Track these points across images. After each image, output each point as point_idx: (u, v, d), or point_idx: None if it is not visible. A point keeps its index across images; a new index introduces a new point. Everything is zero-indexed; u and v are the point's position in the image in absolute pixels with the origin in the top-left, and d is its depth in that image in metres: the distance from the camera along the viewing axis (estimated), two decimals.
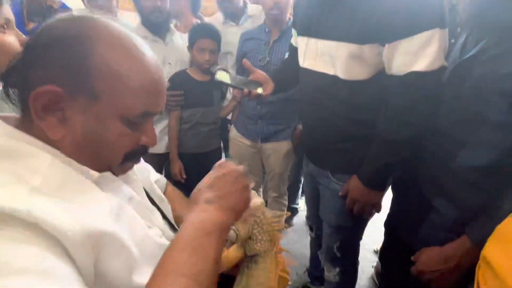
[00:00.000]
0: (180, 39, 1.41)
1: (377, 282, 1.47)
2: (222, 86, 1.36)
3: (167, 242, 0.45)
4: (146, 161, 0.63)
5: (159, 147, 1.38)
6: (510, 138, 0.57)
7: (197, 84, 1.31)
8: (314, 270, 1.29)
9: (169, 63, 1.33)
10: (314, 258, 1.27)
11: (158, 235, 0.45)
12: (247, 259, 0.46)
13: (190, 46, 1.27)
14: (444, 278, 0.65)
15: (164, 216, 0.52)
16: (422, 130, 0.70)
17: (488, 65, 0.58)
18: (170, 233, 0.49)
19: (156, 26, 1.28)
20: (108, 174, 0.40)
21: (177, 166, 1.35)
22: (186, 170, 1.37)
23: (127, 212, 0.40)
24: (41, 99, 0.33)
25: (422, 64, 0.64)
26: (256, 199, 0.46)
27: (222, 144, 1.54)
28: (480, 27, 0.63)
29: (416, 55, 0.65)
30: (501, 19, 0.58)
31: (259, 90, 0.93)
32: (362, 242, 1.49)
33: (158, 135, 1.36)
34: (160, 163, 1.42)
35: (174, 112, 1.31)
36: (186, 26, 1.50)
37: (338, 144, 0.84)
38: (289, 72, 0.99)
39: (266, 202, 1.56)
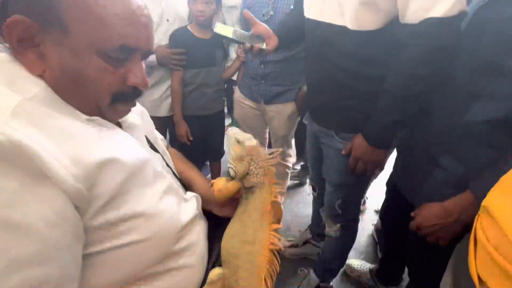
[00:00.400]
0: None
1: (376, 239, 1.53)
2: (222, 40, 1.30)
3: (165, 173, 0.48)
4: None
5: (162, 110, 1.37)
6: None
7: (198, 42, 1.26)
8: (316, 227, 1.34)
9: (167, 20, 1.26)
10: (316, 216, 1.31)
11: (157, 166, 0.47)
12: (245, 191, 0.51)
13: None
14: (442, 233, 0.66)
15: (167, 165, 0.54)
16: (435, 85, 0.66)
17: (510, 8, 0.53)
18: (171, 179, 0.51)
19: None
20: (97, 118, 0.40)
21: (182, 128, 1.35)
22: (190, 133, 1.38)
23: (120, 136, 0.42)
24: (14, 31, 0.33)
25: (441, 9, 0.58)
26: (252, 141, 0.51)
27: (226, 106, 1.51)
28: None
29: None
30: None
31: (262, 45, 0.88)
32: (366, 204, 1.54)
33: (161, 98, 1.35)
34: (163, 126, 1.42)
35: (176, 72, 1.28)
36: None
37: (343, 102, 0.82)
38: (294, 27, 0.93)
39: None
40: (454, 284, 0.51)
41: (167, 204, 0.45)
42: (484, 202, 0.45)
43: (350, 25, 0.71)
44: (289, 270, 1.34)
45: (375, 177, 1.49)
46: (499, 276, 0.38)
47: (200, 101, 1.34)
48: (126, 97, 0.42)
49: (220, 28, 0.87)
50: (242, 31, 0.91)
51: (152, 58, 1.21)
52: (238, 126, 1.52)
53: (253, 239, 0.47)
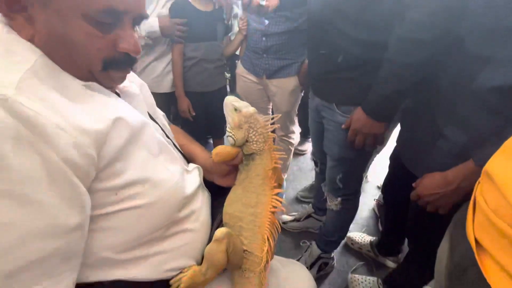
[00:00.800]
0: None
1: (377, 213, 1.56)
2: (223, 14, 1.25)
3: (167, 143, 0.49)
4: None
5: (164, 86, 1.36)
6: None
7: (199, 14, 1.22)
8: (318, 202, 1.36)
9: None
10: (318, 191, 1.33)
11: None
12: (246, 158, 0.52)
13: None
14: (442, 201, 0.67)
15: (167, 136, 0.54)
16: (439, 51, 0.63)
17: None
18: (172, 150, 0.52)
19: None
20: (93, 83, 0.40)
21: (184, 103, 1.34)
22: (192, 109, 1.37)
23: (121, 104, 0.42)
24: None
25: None
26: (249, 108, 0.51)
27: (228, 82, 1.49)
28: None
29: None
30: None
31: (261, 1, 0.84)
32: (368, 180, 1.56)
33: (162, 73, 1.33)
34: (166, 103, 1.41)
35: (177, 45, 1.25)
36: None
37: (344, 73, 0.80)
38: None
39: (274, 140, 1.58)
40: (450, 249, 0.52)
41: (172, 172, 0.46)
42: (486, 167, 0.45)
43: None
44: (292, 243, 1.38)
45: (377, 152, 1.49)
46: (495, 237, 0.39)
47: (200, 77, 1.31)
48: (119, 63, 0.41)
49: None
50: None
51: (155, 28, 1.18)
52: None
53: (256, 203, 0.49)
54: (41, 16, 0.35)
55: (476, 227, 0.44)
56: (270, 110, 1.51)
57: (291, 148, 1.56)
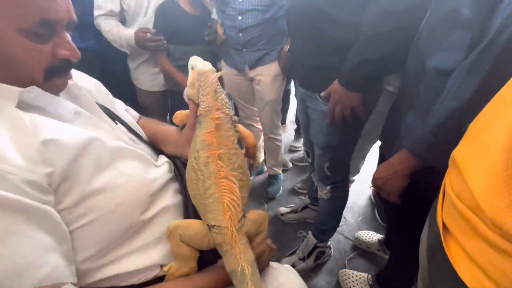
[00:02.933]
0: None
1: (374, 201, 1.57)
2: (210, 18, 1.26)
3: (124, 145, 0.48)
4: (147, 99, 0.65)
5: (158, 84, 1.37)
6: (478, 38, 0.52)
7: (188, 17, 1.21)
8: (312, 192, 1.38)
9: None
10: (311, 181, 1.35)
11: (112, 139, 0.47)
12: (196, 122, 0.50)
13: None
14: (389, 186, 0.69)
15: (130, 129, 0.54)
16: (406, 23, 0.66)
17: None
18: (137, 141, 0.53)
19: None
20: (32, 87, 0.40)
21: (180, 76, 1.26)
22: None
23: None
24: None
25: None
26: (206, 67, 0.50)
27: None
28: None
29: None
30: None
31: None
32: (363, 169, 1.56)
33: (155, 71, 1.33)
34: (163, 101, 1.42)
35: (159, 54, 1.23)
36: None
37: (325, 60, 0.82)
38: None
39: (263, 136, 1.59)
40: (428, 234, 0.53)
41: (130, 174, 0.46)
42: (453, 153, 0.46)
43: None
44: (289, 234, 1.41)
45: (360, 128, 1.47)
46: (458, 220, 0.40)
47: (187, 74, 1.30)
48: (60, 70, 0.42)
49: None
50: None
51: (131, 43, 1.18)
52: (232, 100, 1.52)
53: (206, 175, 0.46)
54: None
55: (444, 212, 0.45)
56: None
57: (279, 144, 1.57)
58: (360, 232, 1.36)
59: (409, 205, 0.71)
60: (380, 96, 0.91)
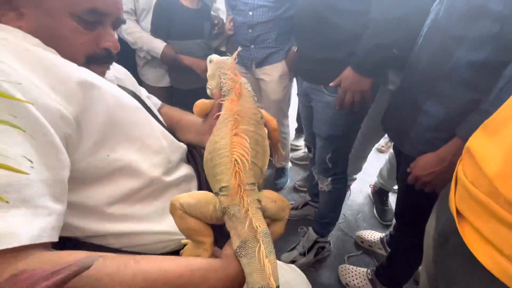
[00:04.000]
0: None
1: (372, 199, 1.61)
2: (210, 11, 1.27)
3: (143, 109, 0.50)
4: (153, 94, 0.66)
5: (165, 81, 1.38)
6: (508, 30, 0.55)
7: (185, 11, 1.21)
8: (313, 188, 1.41)
9: None
10: (312, 178, 1.37)
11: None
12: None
13: None
14: (438, 180, 0.70)
15: (154, 116, 0.56)
16: (415, 9, 0.70)
17: None
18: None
19: None
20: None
21: (188, 59, 1.24)
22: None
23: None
24: None
25: None
26: (221, 57, 0.51)
27: None
28: None
29: None
30: None
31: None
32: (364, 167, 1.59)
33: (162, 68, 1.34)
34: (169, 96, 1.43)
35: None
36: None
37: (330, 52, 0.85)
38: None
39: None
40: (436, 221, 0.56)
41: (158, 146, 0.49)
42: (467, 144, 0.48)
43: None
44: (290, 229, 1.42)
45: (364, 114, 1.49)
46: (473, 206, 0.43)
47: (191, 73, 1.28)
48: (100, 59, 0.46)
49: None
50: None
51: (157, 50, 1.20)
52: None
53: (220, 138, 0.43)
54: (32, 13, 0.39)
55: (457, 199, 0.48)
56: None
57: (286, 142, 1.60)
58: (361, 231, 1.38)
59: (425, 199, 0.72)
60: (378, 90, 0.95)
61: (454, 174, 0.51)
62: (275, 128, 0.51)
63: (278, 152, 0.54)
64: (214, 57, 0.52)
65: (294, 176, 1.79)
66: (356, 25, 0.79)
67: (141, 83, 1.40)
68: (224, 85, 0.48)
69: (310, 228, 1.27)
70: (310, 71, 0.97)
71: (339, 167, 1.08)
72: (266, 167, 0.45)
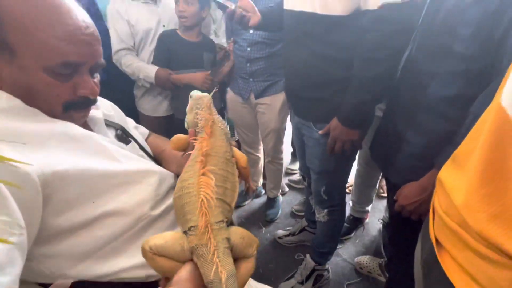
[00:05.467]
0: None
1: (382, 233, 1.57)
2: (210, 43, 1.35)
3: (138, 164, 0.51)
4: (150, 124, 0.69)
5: (161, 110, 1.43)
6: (473, 69, 0.61)
7: (185, 44, 1.30)
8: (309, 214, 1.41)
9: (163, 25, 1.32)
10: (308, 204, 1.38)
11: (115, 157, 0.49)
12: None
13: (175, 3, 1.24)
14: (422, 208, 0.72)
15: (141, 147, 0.59)
16: (395, 65, 0.75)
17: None
18: (146, 157, 0.57)
19: None
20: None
21: (183, 76, 1.30)
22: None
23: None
24: None
25: None
26: (199, 93, 0.54)
27: (222, 106, 1.56)
28: None
29: None
30: None
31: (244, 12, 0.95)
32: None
33: (158, 98, 1.40)
34: (164, 125, 1.47)
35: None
36: None
37: (317, 93, 0.89)
38: (276, 14, 1.01)
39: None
40: (421, 248, 0.57)
41: (143, 190, 0.49)
42: (438, 175, 0.51)
43: (319, 10, 0.78)
44: (288, 257, 1.41)
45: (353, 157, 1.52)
46: (448, 236, 0.45)
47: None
48: (79, 106, 0.46)
49: None
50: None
51: (151, 75, 1.27)
52: (233, 126, 1.58)
53: (186, 176, 0.45)
54: (6, 70, 0.40)
55: (435, 228, 0.50)
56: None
57: (281, 168, 1.63)
58: (360, 257, 1.37)
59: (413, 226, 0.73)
60: (370, 124, 0.98)
61: (431, 203, 0.53)
62: (244, 166, 0.52)
63: (249, 187, 0.56)
64: (194, 93, 0.55)
65: (291, 200, 1.80)
66: (342, 70, 0.83)
67: (137, 115, 1.46)
68: (199, 121, 0.50)
69: (308, 256, 1.26)
70: (300, 107, 0.99)
71: (335, 199, 1.08)
72: (235, 202, 0.47)
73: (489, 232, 0.36)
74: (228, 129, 0.54)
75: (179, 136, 0.54)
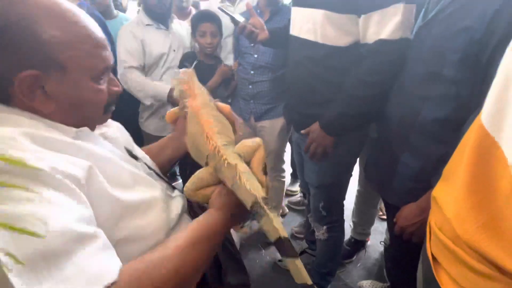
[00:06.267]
0: (178, 25, 1.47)
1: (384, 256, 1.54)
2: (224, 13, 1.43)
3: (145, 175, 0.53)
4: (153, 141, 0.72)
5: (165, 130, 1.48)
6: (463, 92, 0.64)
7: (203, 66, 1.39)
8: (309, 235, 1.40)
9: (174, 50, 1.40)
10: (308, 225, 1.37)
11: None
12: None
13: (193, 34, 1.36)
14: (423, 229, 0.70)
15: (149, 167, 0.60)
16: (385, 90, 0.82)
17: (444, 23, 0.65)
18: (155, 176, 0.58)
19: (159, 16, 1.36)
20: (85, 128, 0.46)
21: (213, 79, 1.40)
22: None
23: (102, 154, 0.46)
24: (24, 84, 0.38)
25: (386, 33, 0.77)
26: (183, 70, 0.63)
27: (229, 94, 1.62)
28: None
29: (383, 25, 0.76)
30: None
31: (254, 28, 1.03)
32: (348, 213, 1.56)
33: (163, 119, 1.46)
34: None
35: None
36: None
37: (317, 110, 0.94)
38: (282, 35, 1.08)
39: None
40: (422, 269, 0.58)
41: (152, 219, 0.49)
42: (432, 193, 0.53)
43: (321, 40, 0.86)
44: (288, 281, 1.38)
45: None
46: (443, 251, 0.46)
47: None
48: (111, 104, 0.50)
49: (224, 7, 1.07)
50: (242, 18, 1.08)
51: (162, 94, 1.33)
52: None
53: (193, 129, 0.54)
54: (60, 89, 0.41)
55: (432, 245, 0.51)
56: None
57: (283, 186, 1.64)
58: (363, 281, 1.34)
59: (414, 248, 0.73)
60: (365, 141, 1.02)
61: (428, 222, 0.55)
62: (228, 112, 0.61)
63: (236, 125, 0.64)
64: (176, 73, 0.65)
65: (291, 222, 1.78)
66: (336, 91, 0.89)
67: (140, 134, 1.50)
68: (184, 91, 0.59)
69: None
70: (299, 122, 1.05)
71: (334, 215, 1.10)
72: (231, 132, 0.57)
73: (477, 242, 0.37)
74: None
75: (171, 110, 0.64)
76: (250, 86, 1.34)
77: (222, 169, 0.47)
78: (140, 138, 1.52)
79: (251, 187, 0.44)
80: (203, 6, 1.83)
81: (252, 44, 1.28)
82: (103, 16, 1.46)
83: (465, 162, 0.41)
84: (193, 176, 0.52)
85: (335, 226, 1.11)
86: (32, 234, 0.29)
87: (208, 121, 0.53)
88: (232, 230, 0.64)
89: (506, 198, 0.35)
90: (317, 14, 0.84)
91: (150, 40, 1.34)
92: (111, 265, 0.35)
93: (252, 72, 1.31)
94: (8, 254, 0.28)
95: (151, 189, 0.52)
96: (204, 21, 1.32)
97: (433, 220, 0.51)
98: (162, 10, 1.33)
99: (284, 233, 0.43)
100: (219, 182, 0.51)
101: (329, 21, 0.82)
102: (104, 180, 0.42)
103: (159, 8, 1.32)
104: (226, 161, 0.47)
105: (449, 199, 0.45)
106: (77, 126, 0.45)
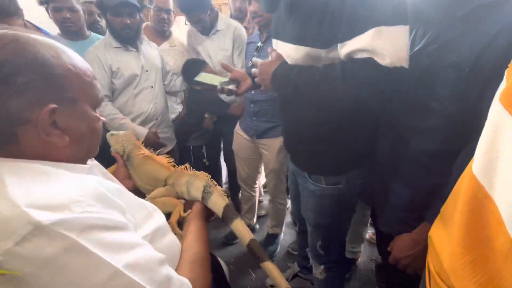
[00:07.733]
0: (148, 46, 1.45)
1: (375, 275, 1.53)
2: (200, 86, 1.45)
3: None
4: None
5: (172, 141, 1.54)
6: (452, 124, 0.62)
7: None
8: (302, 260, 1.35)
9: (146, 71, 1.39)
10: (301, 249, 1.32)
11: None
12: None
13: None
14: (417, 262, 0.70)
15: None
16: (339, 104, 0.72)
17: (431, 57, 0.64)
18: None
19: (128, 40, 1.33)
20: (95, 162, 0.50)
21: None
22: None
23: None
24: (44, 119, 0.39)
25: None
26: (122, 132, 0.77)
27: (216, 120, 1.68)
28: (422, 21, 0.68)
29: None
30: (437, 14, 0.64)
31: (230, 86, 0.99)
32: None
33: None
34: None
35: None
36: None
37: (310, 146, 0.85)
38: None
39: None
40: None
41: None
42: (429, 232, 0.52)
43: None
44: None
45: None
46: None
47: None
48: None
49: (201, 77, 1.08)
50: (223, 77, 1.06)
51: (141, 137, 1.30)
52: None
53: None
54: (72, 122, 0.42)
55: (431, 286, 0.50)
56: (261, 168, 1.64)
57: (284, 209, 1.63)
58: None
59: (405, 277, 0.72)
60: (365, 179, 0.89)
61: (426, 262, 0.53)
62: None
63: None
64: (115, 132, 0.77)
65: (288, 239, 1.75)
66: (336, 126, 0.78)
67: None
68: (125, 149, 0.75)
69: None
70: (295, 157, 0.95)
71: (332, 255, 0.99)
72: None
73: None
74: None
75: (109, 168, 0.72)
76: (252, 105, 1.37)
77: (179, 182, 0.72)
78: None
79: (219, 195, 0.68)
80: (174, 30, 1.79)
81: (250, 64, 1.28)
82: (75, 36, 1.40)
83: (459, 213, 0.40)
84: (155, 190, 0.73)
85: (333, 267, 1.00)
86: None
87: (160, 157, 0.76)
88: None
89: (503, 257, 0.34)
90: (292, 49, 0.75)
91: (120, 63, 1.31)
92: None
93: (252, 91, 1.32)
94: None
95: (157, 211, 0.55)
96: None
97: (431, 262, 0.50)
98: (128, 34, 1.30)
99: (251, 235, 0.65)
100: (173, 194, 0.72)
101: (307, 56, 0.72)
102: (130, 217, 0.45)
103: (126, 33, 1.29)
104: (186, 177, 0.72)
105: (445, 248, 0.44)
106: (83, 159, 0.47)
